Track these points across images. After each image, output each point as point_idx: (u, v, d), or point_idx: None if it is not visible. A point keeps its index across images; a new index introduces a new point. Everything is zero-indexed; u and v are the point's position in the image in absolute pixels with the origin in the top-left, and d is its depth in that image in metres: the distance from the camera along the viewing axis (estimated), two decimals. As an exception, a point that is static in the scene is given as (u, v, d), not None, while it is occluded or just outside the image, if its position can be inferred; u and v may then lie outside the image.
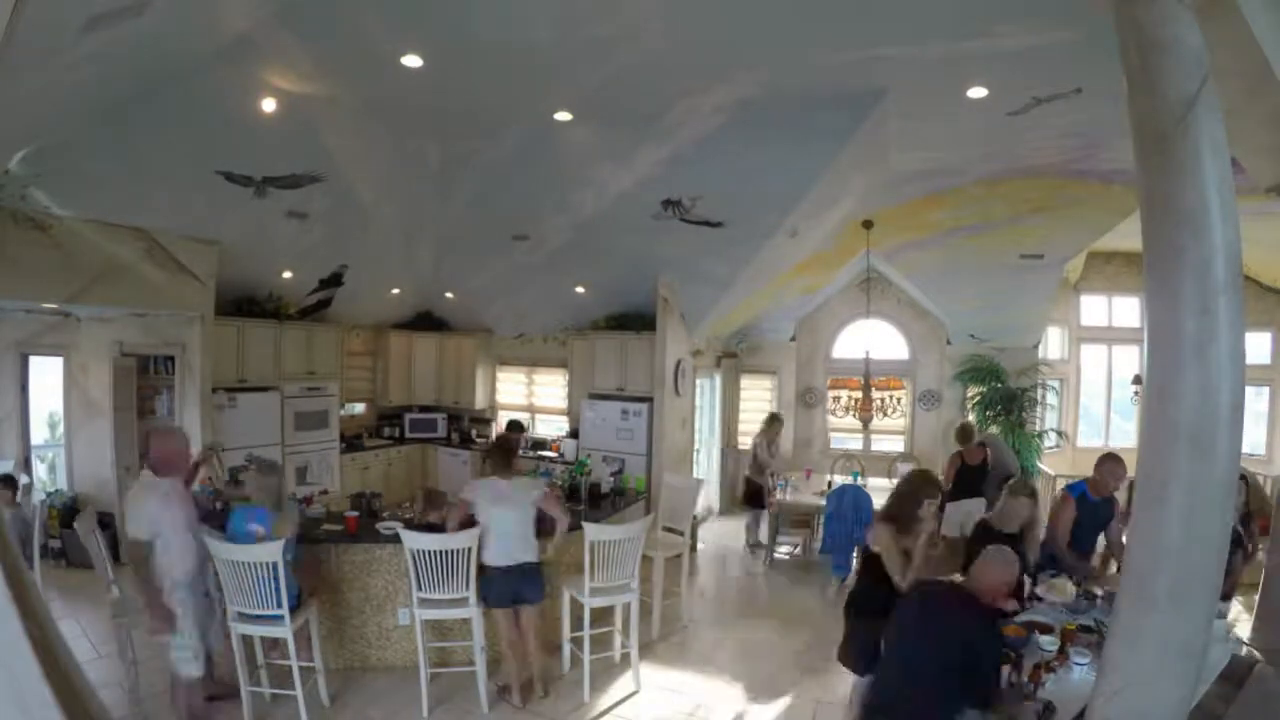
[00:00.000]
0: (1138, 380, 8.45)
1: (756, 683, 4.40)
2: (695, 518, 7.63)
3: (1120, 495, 4.19)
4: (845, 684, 4.38)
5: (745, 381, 9.85)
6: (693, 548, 7.14)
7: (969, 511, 5.36)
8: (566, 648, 4.46)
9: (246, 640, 3.79)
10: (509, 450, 4.16)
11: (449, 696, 4.04)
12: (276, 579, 3.56)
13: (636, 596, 4.28)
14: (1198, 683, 2.02)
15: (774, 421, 7.64)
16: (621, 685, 4.30)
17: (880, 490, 7.04)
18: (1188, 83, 1.78)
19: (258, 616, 3.63)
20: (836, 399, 9.11)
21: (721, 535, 7.74)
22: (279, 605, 3.59)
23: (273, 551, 3.53)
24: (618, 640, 4.53)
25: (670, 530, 5.39)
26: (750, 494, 7.34)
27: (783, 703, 4.16)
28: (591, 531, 4.07)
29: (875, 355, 7.70)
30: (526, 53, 3.99)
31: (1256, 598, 3.56)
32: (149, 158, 4.65)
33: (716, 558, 7.20)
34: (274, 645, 3.94)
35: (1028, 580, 3.62)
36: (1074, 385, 9.67)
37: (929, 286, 8.36)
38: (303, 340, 7.52)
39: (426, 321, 9.33)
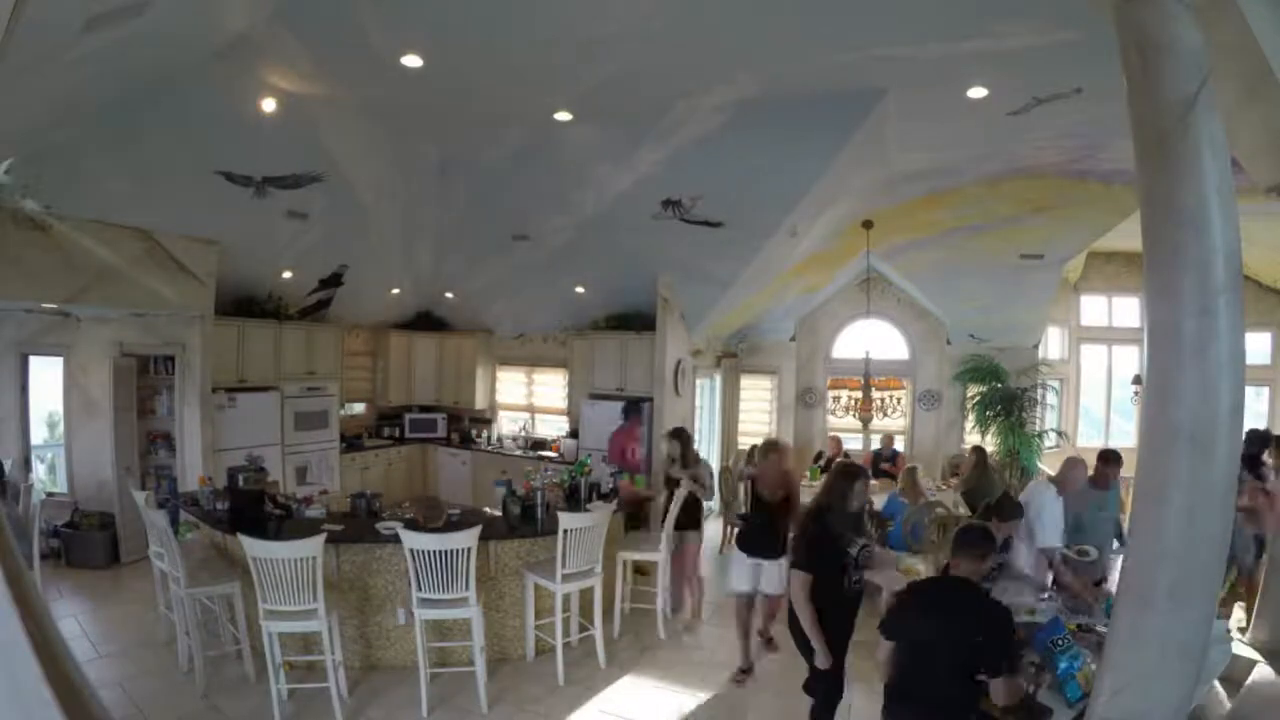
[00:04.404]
0: (1138, 380, 8.45)
1: (757, 682, 4.39)
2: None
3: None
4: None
5: (745, 381, 9.85)
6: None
7: None
8: (531, 636, 4.52)
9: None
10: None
11: (449, 696, 4.04)
12: (314, 574, 3.59)
13: (600, 581, 4.47)
14: (1198, 683, 2.02)
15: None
16: (598, 672, 4.38)
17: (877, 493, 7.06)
18: (1188, 83, 1.78)
19: (292, 612, 3.64)
20: (836, 399, 9.11)
21: (720, 535, 7.71)
22: (314, 600, 3.61)
23: (313, 547, 3.57)
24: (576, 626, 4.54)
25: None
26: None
27: (783, 703, 4.16)
28: (565, 520, 4.20)
29: (875, 355, 7.70)
30: (526, 53, 3.99)
31: (1257, 598, 3.56)
32: (149, 158, 4.66)
33: (716, 558, 7.18)
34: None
35: None
36: (1074, 385, 9.68)
37: (929, 286, 8.36)
38: (303, 340, 7.51)
39: (426, 321, 9.33)
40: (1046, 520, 4.01)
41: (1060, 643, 2.74)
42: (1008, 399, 8.22)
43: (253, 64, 4.12)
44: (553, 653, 4.32)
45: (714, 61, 4.04)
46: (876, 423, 8.17)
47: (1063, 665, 2.66)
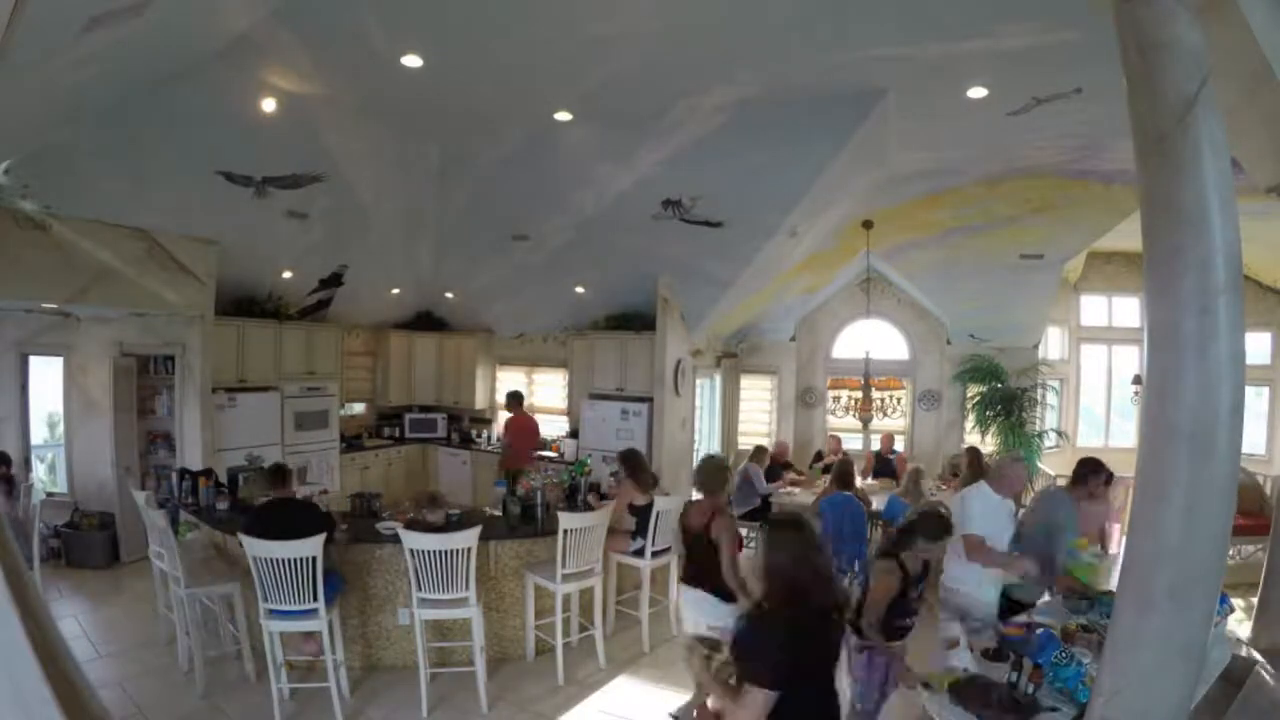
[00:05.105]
0: (1138, 380, 8.45)
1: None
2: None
3: None
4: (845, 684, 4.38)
5: (745, 381, 9.85)
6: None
7: None
8: (531, 636, 4.50)
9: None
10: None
11: (449, 696, 4.04)
12: (314, 573, 3.58)
13: (600, 581, 4.50)
14: (1198, 683, 2.02)
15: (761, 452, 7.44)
16: (598, 672, 4.39)
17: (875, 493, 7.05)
18: (1188, 83, 1.78)
19: (292, 612, 3.64)
20: (836, 399, 9.11)
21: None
22: (315, 599, 3.61)
23: (313, 547, 3.57)
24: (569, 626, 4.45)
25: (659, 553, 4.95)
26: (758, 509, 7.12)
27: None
28: (565, 520, 4.19)
29: (875, 355, 7.70)
30: (526, 52, 3.99)
31: (1256, 598, 3.56)
32: (149, 158, 4.66)
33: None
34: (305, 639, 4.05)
35: None
36: (1074, 385, 9.67)
37: (929, 286, 8.36)
38: (303, 340, 7.51)
39: (426, 321, 9.33)
40: (969, 514, 3.56)
41: (1060, 658, 2.74)
42: (1008, 399, 8.22)
43: (253, 64, 4.12)
44: (553, 653, 4.32)
45: (714, 61, 4.04)
46: (876, 423, 8.17)
47: (1067, 677, 2.66)
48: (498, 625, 4.54)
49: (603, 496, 5.39)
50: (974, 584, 3.60)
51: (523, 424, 7.73)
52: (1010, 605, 3.79)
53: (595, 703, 4.07)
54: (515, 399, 7.79)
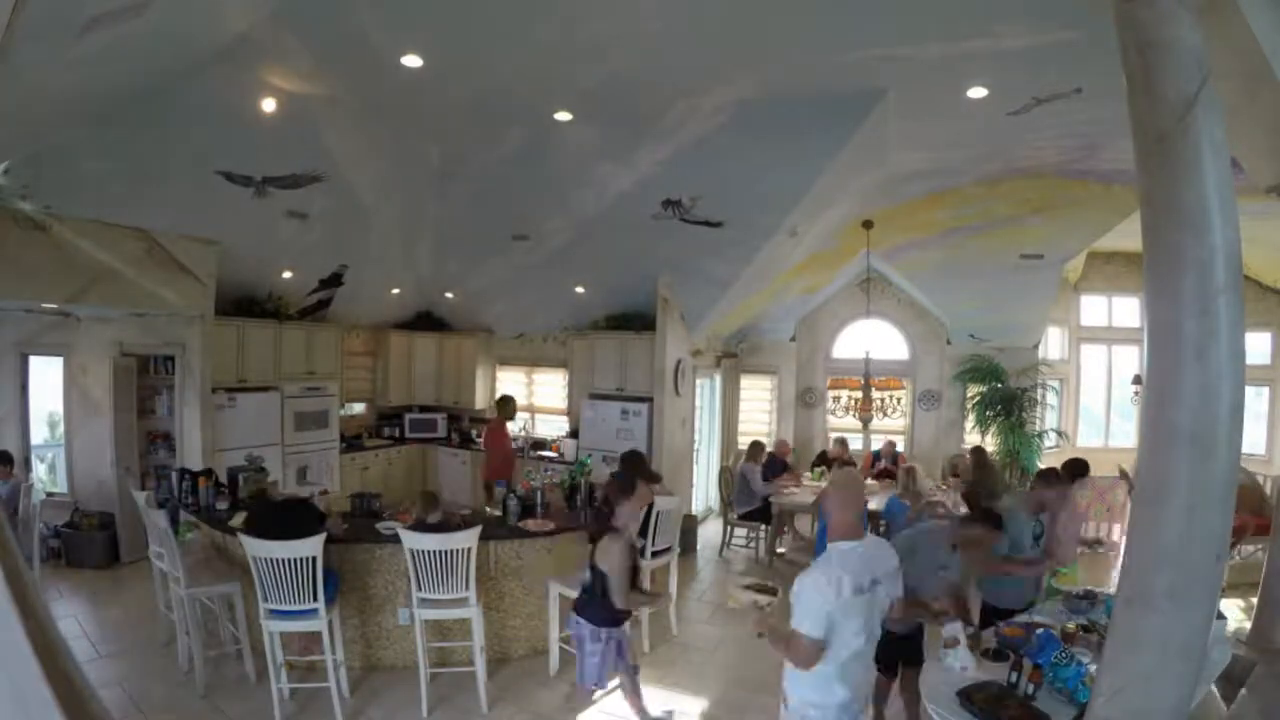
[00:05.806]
0: (1138, 380, 8.45)
1: (756, 685, 4.39)
2: (695, 518, 7.65)
3: None
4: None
5: (745, 381, 9.86)
6: (692, 547, 7.15)
7: None
8: (555, 649, 4.40)
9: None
10: None
11: (449, 696, 4.04)
12: (314, 574, 3.58)
13: None
14: (1198, 683, 2.02)
15: (756, 448, 7.45)
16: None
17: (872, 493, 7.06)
18: (1188, 83, 1.78)
19: (292, 612, 3.64)
20: (836, 399, 9.12)
21: (720, 536, 7.72)
22: (315, 599, 3.61)
23: (313, 547, 3.56)
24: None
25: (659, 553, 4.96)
26: (759, 509, 7.15)
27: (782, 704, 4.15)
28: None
29: (875, 355, 7.71)
30: (526, 52, 3.99)
31: (1256, 598, 3.56)
32: (149, 158, 4.66)
33: (716, 559, 7.19)
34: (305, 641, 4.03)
35: None
36: (1074, 385, 9.67)
37: (929, 286, 8.36)
38: (303, 340, 7.52)
39: (426, 321, 9.33)
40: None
41: (1060, 658, 2.74)
42: (1008, 399, 8.22)
43: (253, 64, 4.12)
44: (548, 655, 4.32)
45: (714, 62, 4.04)
46: (876, 423, 8.17)
47: (1067, 677, 2.66)
48: (498, 625, 4.54)
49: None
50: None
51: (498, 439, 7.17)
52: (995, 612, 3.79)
53: (596, 703, 4.07)
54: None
